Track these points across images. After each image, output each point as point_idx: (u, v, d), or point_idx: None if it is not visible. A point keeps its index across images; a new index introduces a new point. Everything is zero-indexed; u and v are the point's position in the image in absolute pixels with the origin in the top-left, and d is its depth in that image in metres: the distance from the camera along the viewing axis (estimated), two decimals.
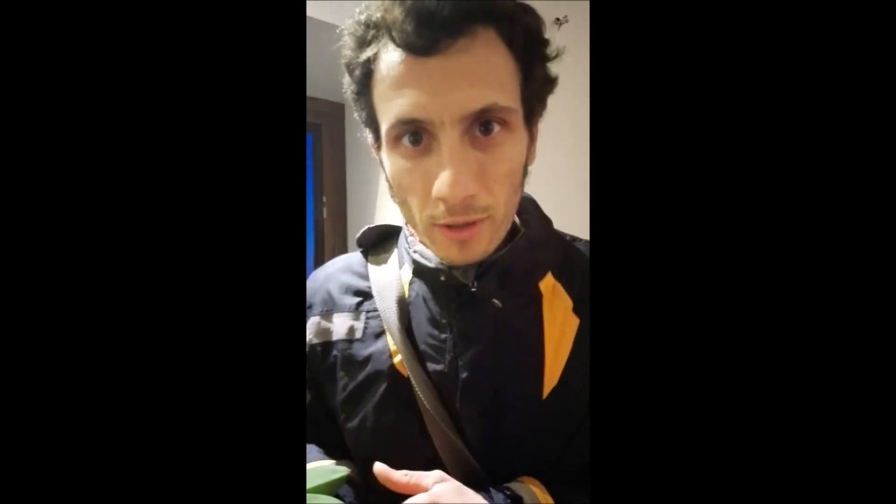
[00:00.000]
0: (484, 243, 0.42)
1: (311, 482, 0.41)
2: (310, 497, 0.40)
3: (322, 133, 1.46)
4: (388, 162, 0.42)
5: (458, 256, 0.42)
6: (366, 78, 0.41)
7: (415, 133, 0.39)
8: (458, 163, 0.37)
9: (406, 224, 0.51)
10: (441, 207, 0.39)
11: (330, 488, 0.42)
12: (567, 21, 1.29)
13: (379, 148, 0.44)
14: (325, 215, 1.46)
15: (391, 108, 0.38)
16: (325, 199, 1.45)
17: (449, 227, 0.40)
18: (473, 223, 0.40)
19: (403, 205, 0.43)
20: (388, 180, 0.44)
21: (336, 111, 1.47)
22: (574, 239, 0.53)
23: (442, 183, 0.37)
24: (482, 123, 0.38)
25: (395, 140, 0.40)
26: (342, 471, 0.43)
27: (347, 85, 0.44)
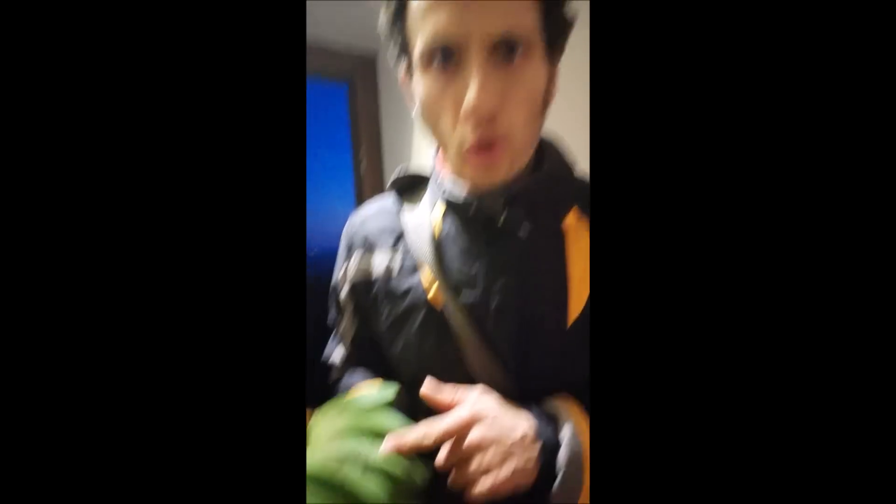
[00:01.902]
0: (505, 166, 0.46)
1: (367, 400, 0.46)
2: (368, 413, 0.45)
3: (356, 85, 1.48)
4: (421, 86, 0.46)
5: (484, 178, 0.47)
6: (400, 8, 0.45)
7: (445, 55, 0.42)
8: (485, 78, 0.41)
9: (436, 157, 0.55)
10: (468, 127, 0.43)
11: (386, 405, 0.47)
12: None
13: (411, 78, 0.48)
14: (363, 170, 1.50)
15: (424, 31, 0.42)
16: (362, 150, 1.49)
17: (475, 151, 0.44)
18: (495, 145, 0.44)
19: (435, 129, 0.47)
20: (420, 108, 0.48)
21: (369, 64, 1.48)
22: None
23: (470, 97, 0.41)
24: (506, 48, 0.41)
25: (427, 63, 0.44)
26: (394, 388, 0.48)
27: (382, 18, 0.47)
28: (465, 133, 0.44)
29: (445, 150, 0.49)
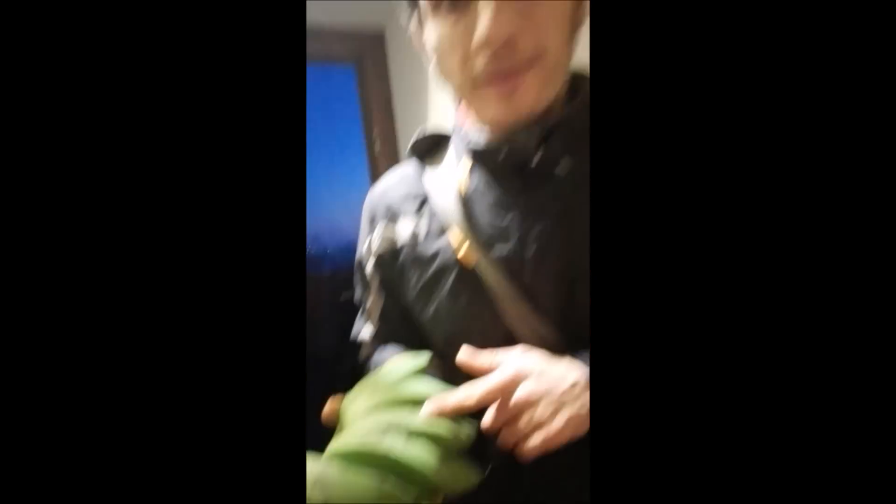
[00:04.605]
0: (533, 93, 0.42)
1: (398, 371, 0.44)
2: (401, 383, 0.43)
3: (365, 65, 1.45)
4: (432, 31, 0.42)
5: (507, 112, 0.43)
6: None
7: None
8: (498, 3, 0.37)
9: (457, 111, 0.52)
10: (483, 59, 0.39)
11: (417, 374, 0.45)
12: None
13: (423, 28, 0.45)
14: (377, 148, 1.48)
15: None
16: (376, 130, 1.46)
17: (494, 82, 0.40)
18: (518, 71, 0.40)
19: (451, 77, 0.44)
20: (434, 59, 0.44)
21: (377, 42, 1.45)
22: None
23: (482, 27, 0.38)
24: None
25: (437, 2, 0.40)
26: (424, 356, 0.46)
27: None
28: (479, 65, 0.40)
29: (464, 98, 0.45)
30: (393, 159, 1.48)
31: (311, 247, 1.64)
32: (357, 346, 0.62)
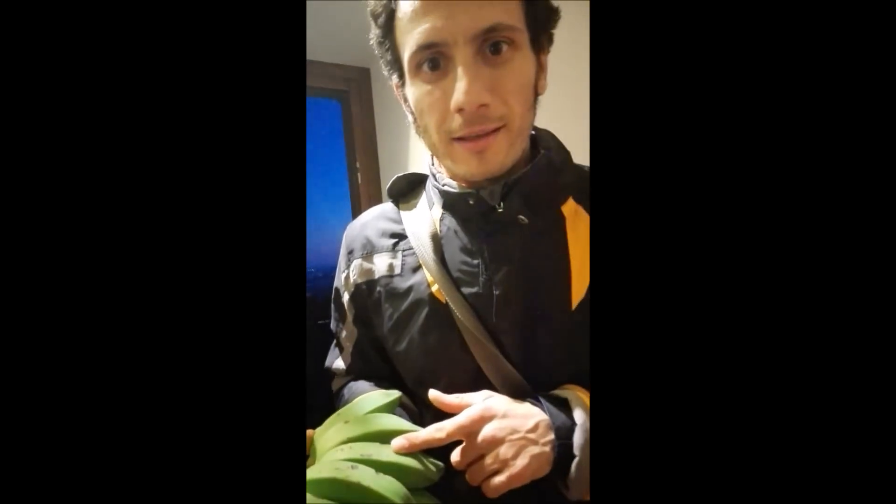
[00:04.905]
0: (501, 154, 0.46)
1: (368, 406, 0.46)
2: (372, 417, 0.44)
3: (350, 99, 1.49)
4: (411, 92, 0.46)
5: (478, 169, 0.46)
6: (389, 21, 0.45)
7: (433, 59, 0.43)
8: (473, 75, 0.42)
9: (431, 163, 0.56)
10: (458, 120, 0.43)
11: (387, 410, 0.46)
12: None
13: (402, 85, 0.49)
14: (359, 181, 1.51)
15: (412, 38, 0.43)
16: (358, 164, 1.50)
17: (466, 139, 0.44)
18: (489, 133, 0.44)
19: (426, 133, 0.47)
20: (411, 114, 0.48)
21: (363, 77, 1.50)
22: None
23: (458, 93, 0.42)
24: (492, 44, 0.42)
25: (417, 68, 0.44)
26: (395, 394, 0.48)
27: (373, 33, 0.48)
28: (455, 125, 0.44)
29: (438, 155, 0.49)
30: (374, 190, 1.51)
31: None
32: (330, 375, 0.63)
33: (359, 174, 1.51)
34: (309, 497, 0.36)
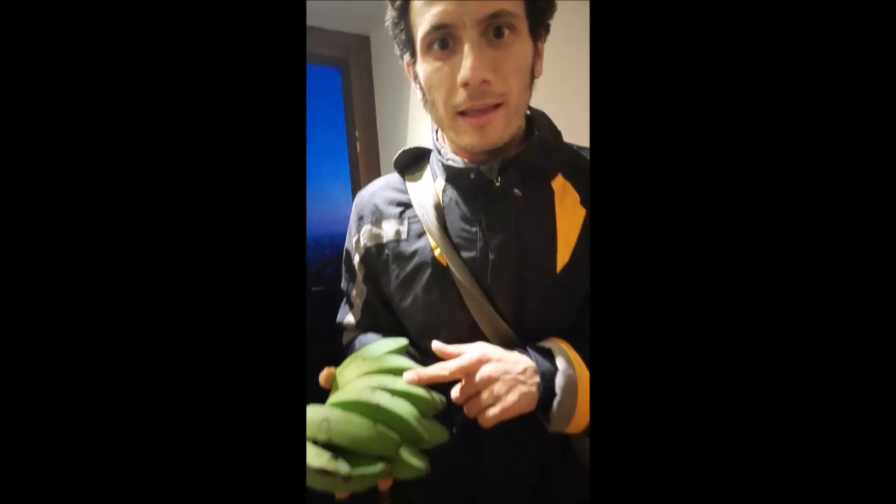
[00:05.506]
0: (500, 129, 0.53)
1: (382, 349, 0.54)
2: (385, 356, 0.52)
3: (350, 68, 1.52)
4: (422, 68, 0.53)
5: (480, 141, 0.53)
6: (405, 4, 0.52)
7: (443, 39, 0.50)
8: (478, 54, 0.48)
9: (434, 139, 0.62)
10: (463, 95, 0.50)
11: (396, 354, 0.54)
12: None
13: (414, 63, 0.55)
14: (358, 149, 1.55)
15: (425, 20, 0.50)
16: (357, 132, 1.54)
17: (469, 114, 0.51)
18: (490, 110, 0.51)
19: (433, 106, 0.54)
20: (421, 89, 0.55)
21: (363, 45, 1.51)
22: (580, 148, 0.63)
23: (464, 69, 0.48)
24: (495, 28, 0.49)
25: (428, 47, 0.51)
26: (403, 341, 0.56)
27: (389, 15, 0.55)
28: (460, 99, 0.51)
29: (444, 127, 0.56)
30: (373, 157, 1.55)
31: None
32: (341, 329, 0.71)
33: (357, 142, 1.54)
34: (337, 412, 0.43)
